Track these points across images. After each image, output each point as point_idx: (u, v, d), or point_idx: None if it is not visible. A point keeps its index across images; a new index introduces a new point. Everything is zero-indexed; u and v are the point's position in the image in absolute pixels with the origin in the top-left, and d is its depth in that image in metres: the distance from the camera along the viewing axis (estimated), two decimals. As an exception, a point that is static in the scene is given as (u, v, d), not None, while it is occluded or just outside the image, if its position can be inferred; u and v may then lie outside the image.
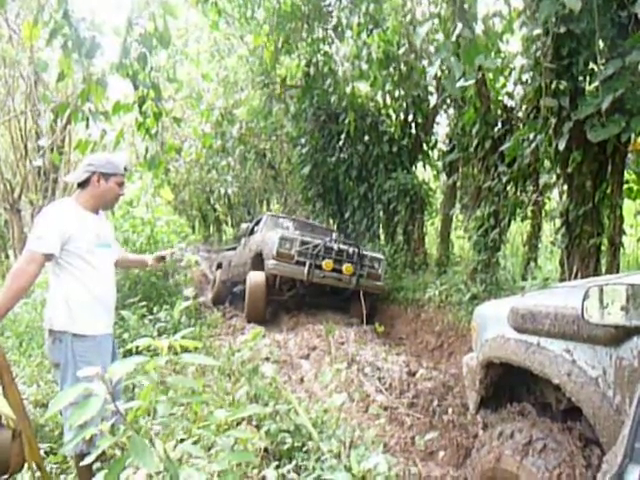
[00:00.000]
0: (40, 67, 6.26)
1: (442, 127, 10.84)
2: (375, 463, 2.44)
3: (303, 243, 7.48)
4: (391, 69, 10.34)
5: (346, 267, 7.49)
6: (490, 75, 7.29)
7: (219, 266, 10.21)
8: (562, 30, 5.12)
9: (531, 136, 5.89)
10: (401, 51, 10.27)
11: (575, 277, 5.59)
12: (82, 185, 2.64)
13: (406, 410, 4.34)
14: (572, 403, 2.46)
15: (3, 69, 12.69)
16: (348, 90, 10.56)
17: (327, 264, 7.41)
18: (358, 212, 10.72)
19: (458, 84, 4.42)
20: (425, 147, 10.53)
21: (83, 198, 2.62)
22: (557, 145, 5.42)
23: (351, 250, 7.67)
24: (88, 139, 6.66)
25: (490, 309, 2.70)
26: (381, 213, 10.39)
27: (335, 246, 7.60)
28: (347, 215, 10.88)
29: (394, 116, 10.59)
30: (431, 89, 10.75)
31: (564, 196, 5.82)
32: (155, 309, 5.80)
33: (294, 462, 2.82)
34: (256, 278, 7.61)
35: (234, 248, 10.06)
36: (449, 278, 7.60)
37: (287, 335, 7.11)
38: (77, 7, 6.09)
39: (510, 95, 7.33)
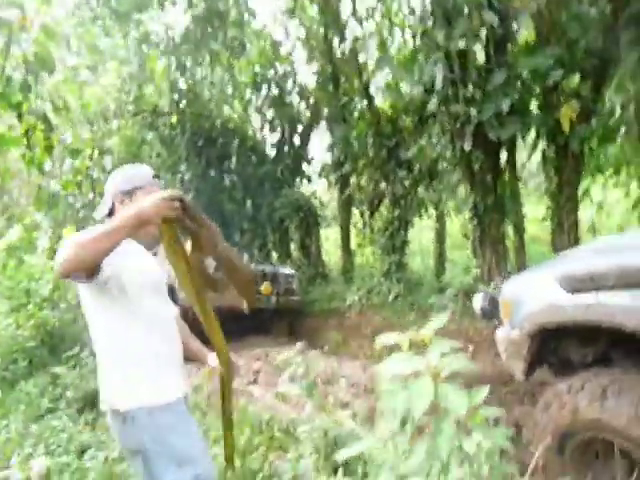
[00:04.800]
0: None
1: (315, 143, 11.35)
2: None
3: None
4: (263, 91, 10.58)
5: (264, 287, 7.40)
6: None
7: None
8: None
9: (434, 141, 6.53)
10: (270, 74, 10.57)
11: (489, 262, 6.29)
12: (110, 215, 2.08)
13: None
14: (597, 355, 2.87)
15: None
16: (221, 114, 10.54)
17: (247, 287, 7.24)
18: (247, 234, 10.64)
19: (412, 91, 4.72)
20: (305, 164, 10.90)
21: None
22: (462, 146, 6.07)
23: (267, 269, 7.61)
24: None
25: (525, 283, 2.98)
26: (272, 232, 10.46)
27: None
28: (237, 238, 10.72)
29: (270, 136, 10.81)
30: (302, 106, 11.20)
31: (467, 191, 6.53)
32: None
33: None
34: (171, 313, 7.15)
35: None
36: (363, 283, 7.95)
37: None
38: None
39: (394, 107, 7.96)
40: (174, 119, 10.11)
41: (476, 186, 6.30)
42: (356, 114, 8.98)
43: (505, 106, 5.44)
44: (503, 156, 6.29)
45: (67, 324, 5.75)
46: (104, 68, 9.35)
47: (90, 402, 4.58)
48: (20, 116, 5.79)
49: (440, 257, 7.32)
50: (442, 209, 7.61)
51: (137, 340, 1.81)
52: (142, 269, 1.87)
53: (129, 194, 2.04)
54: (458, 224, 7.18)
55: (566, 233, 5.80)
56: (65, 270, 1.51)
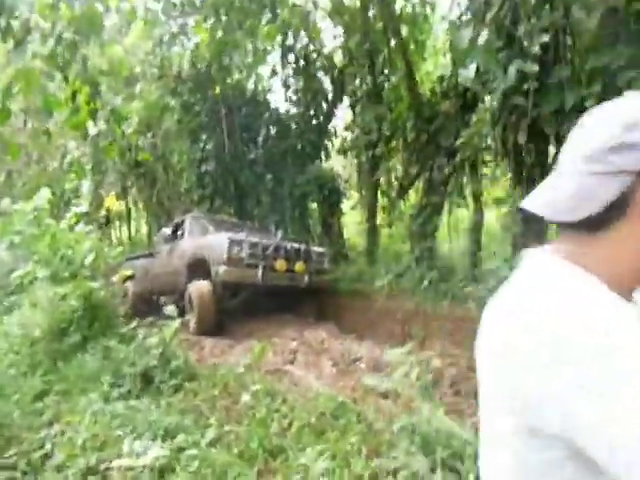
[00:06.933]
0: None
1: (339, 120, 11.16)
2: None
3: (252, 245, 7.15)
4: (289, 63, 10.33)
5: (298, 266, 7.37)
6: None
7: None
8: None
9: (484, 131, 6.46)
10: (299, 45, 10.31)
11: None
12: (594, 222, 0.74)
13: (454, 399, 4.51)
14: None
15: None
16: (245, 83, 10.29)
17: (281, 264, 7.20)
18: (264, 207, 10.52)
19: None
20: (326, 141, 10.74)
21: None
22: (514, 139, 6.02)
23: (302, 248, 7.56)
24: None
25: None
26: (291, 207, 10.34)
27: (286, 245, 7.41)
28: (255, 212, 10.59)
29: (295, 110, 10.58)
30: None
31: (512, 185, 6.52)
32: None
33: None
34: (202, 287, 7.07)
35: (146, 255, 9.14)
36: (390, 267, 7.95)
37: (250, 344, 6.77)
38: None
39: (433, 92, 7.82)
40: (196, 85, 9.82)
41: (522, 181, 6.27)
42: (388, 94, 8.83)
43: (569, 102, 5.39)
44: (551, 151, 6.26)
45: (109, 297, 5.66)
46: (128, 29, 8.98)
47: (149, 379, 4.53)
48: (66, 78, 5.54)
49: (476, 249, 7.34)
50: (480, 200, 7.58)
51: None
52: None
53: None
54: (494, 215, 7.19)
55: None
56: None
